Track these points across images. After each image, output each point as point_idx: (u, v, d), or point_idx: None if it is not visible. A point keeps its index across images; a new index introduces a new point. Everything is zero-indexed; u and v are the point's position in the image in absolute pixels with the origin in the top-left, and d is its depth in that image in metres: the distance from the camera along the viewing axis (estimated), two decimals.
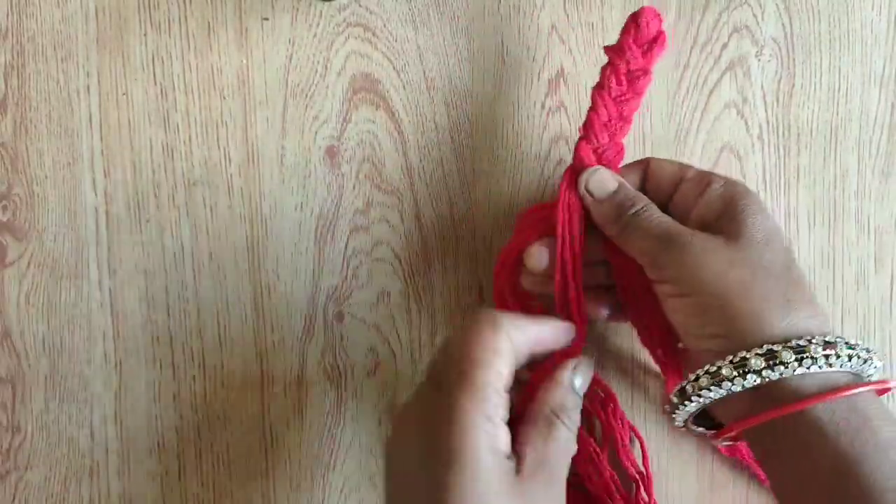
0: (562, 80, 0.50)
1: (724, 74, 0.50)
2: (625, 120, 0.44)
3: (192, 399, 0.50)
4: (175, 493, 0.50)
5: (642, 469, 0.48)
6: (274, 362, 0.50)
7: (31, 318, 0.50)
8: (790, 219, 0.50)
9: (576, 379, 0.41)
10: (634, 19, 0.43)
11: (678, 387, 0.40)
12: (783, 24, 0.50)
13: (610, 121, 0.44)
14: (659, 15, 0.43)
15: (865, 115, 0.50)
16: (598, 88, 0.44)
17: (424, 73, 0.50)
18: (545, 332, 0.41)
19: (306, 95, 0.50)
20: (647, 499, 0.47)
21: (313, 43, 0.50)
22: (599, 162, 0.44)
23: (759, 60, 0.50)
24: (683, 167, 0.44)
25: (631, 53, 0.43)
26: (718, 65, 0.50)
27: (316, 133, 0.50)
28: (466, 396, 0.36)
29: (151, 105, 0.50)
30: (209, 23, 0.50)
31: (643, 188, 0.45)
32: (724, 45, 0.50)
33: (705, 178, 0.42)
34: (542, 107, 0.50)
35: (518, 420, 0.40)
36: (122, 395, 0.51)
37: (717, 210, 0.41)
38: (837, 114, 0.50)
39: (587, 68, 0.50)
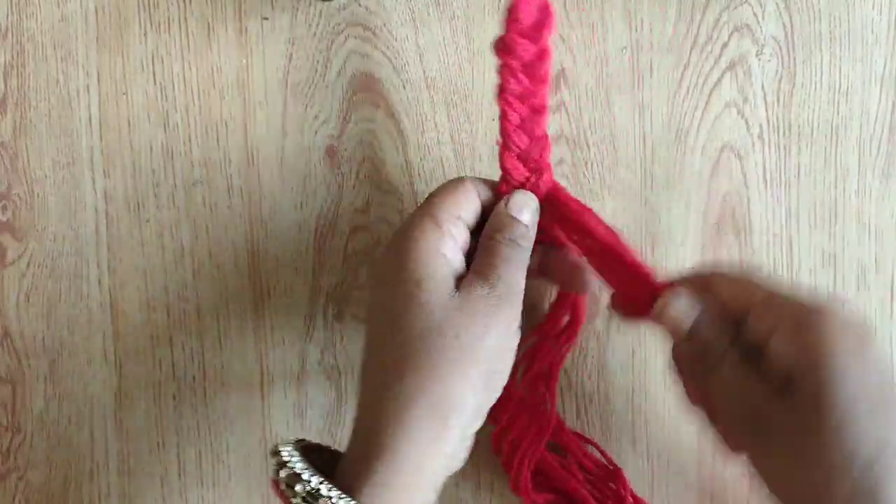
0: (562, 80, 0.50)
1: (725, 74, 0.50)
2: (538, 112, 0.41)
3: (192, 399, 0.50)
4: (175, 493, 0.51)
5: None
6: (274, 362, 0.50)
7: (31, 318, 0.50)
8: (790, 219, 0.50)
9: (511, 207, 0.42)
10: (511, 13, 0.40)
11: None
12: (784, 24, 0.50)
13: (523, 121, 0.41)
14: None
15: (866, 115, 0.50)
16: (501, 92, 0.41)
17: (424, 73, 0.50)
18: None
19: (306, 95, 0.50)
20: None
21: (313, 42, 0.50)
22: (526, 166, 0.42)
23: (760, 60, 0.50)
24: (752, 287, 0.40)
25: (521, 46, 0.40)
26: (719, 64, 0.50)
27: (316, 133, 0.50)
28: (428, 220, 0.40)
29: (151, 105, 0.50)
30: (209, 23, 0.50)
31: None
32: (725, 45, 0.50)
33: (775, 307, 0.39)
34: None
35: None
36: (122, 395, 0.51)
37: (792, 357, 0.37)
38: (838, 113, 0.50)
39: (587, 68, 0.50)
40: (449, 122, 0.50)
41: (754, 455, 0.39)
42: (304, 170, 0.50)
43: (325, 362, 0.50)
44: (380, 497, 0.37)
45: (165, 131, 0.50)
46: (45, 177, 0.50)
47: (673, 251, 0.50)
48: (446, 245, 0.40)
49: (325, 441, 0.50)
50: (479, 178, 0.43)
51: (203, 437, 0.50)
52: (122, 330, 0.50)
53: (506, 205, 0.42)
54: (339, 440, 0.50)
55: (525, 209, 0.42)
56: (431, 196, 0.41)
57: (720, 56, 0.50)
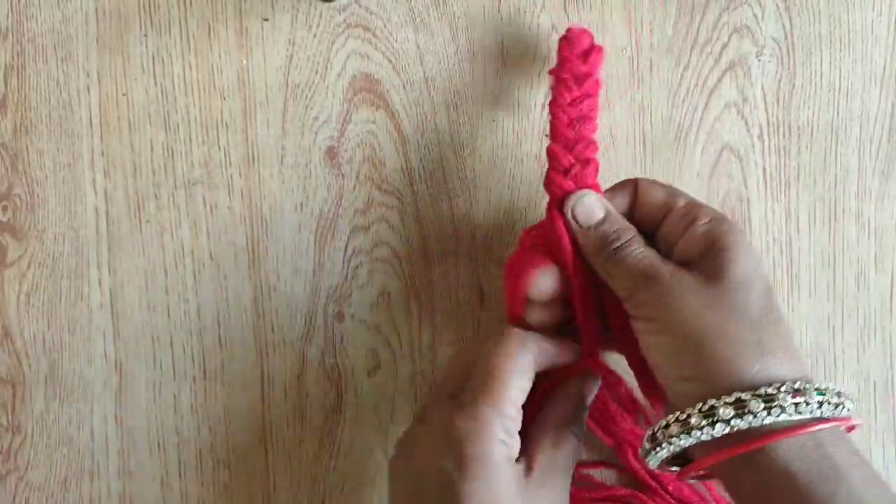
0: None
1: (725, 74, 0.50)
2: (586, 118, 0.44)
3: (192, 399, 0.50)
4: (175, 493, 0.50)
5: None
6: (274, 362, 0.50)
7: (31, 318, 0.50)
8: (790, 219, 0.50)
9: (584, 390, 0.44)
10: (564, 37, 0.46)
11: (649, 432, 0.40)
12: (783, 24, 0.50)
13: (571, 122, 0.44)
14: (586, 30, 0.46)
15: (866, 116, 0.50)
16: (552, 102, 0.45)
17: (424, 73, 0.50)
18: (557, 348, 0.43)
19: (306, 96, 0.50)
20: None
21: (313, 43, 0.50)
22: (572, 155, 0.44)
23: (760, 60, 0.50)
24: (673, 195, 0.43)
25: (571, 63, 0.45)
26: (719, 65, 0.50)
27: (316, 133, 0.50)
28: (490, 410, 0.39)
29: (151, 105, 0.50)
30: (209, 23, 0.50)
31: (631, 212, 0.44)
32: (725, 46, 0.50)
33: (692, 212, 0.42)
34: (542, 107, 0.50)
35: (527, 422, 0.42)
36: (122, 395, 0.51)
37: (701, 247, 0.41)
38: (838, 114, 0.50)
39: None
40: (449, 123, 0.50)
41: (648, 317, 0.40)
42: (304, 170, 0.50)
43: (325, 362, 0.50)
44: None
45: (166, 132, 0.50)
46: (46, 177, 0.50)
47: None
48: (506, 430, 0.40)
49: (326, 441, 0.50)
50: (534, 335, 0.43)
51: (203, 438, 0.50)
52: (123, 330, 0.50)
53: (582, 391, 0.44)
54: (339, 440, 0.50)
55: (593, 394, 0.45)
56: (488, 373, 0.41)
57: (720, 57, 0.50)
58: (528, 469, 0.40)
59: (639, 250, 0.41)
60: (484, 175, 0.50)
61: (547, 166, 0.44)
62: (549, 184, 0.44)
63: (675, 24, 0.50)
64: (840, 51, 0.50)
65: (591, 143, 0.44)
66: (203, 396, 0.50)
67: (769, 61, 0.50)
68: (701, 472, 0.40)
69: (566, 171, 0.44)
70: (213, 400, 0.50)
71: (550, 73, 0.46)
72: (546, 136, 0.45)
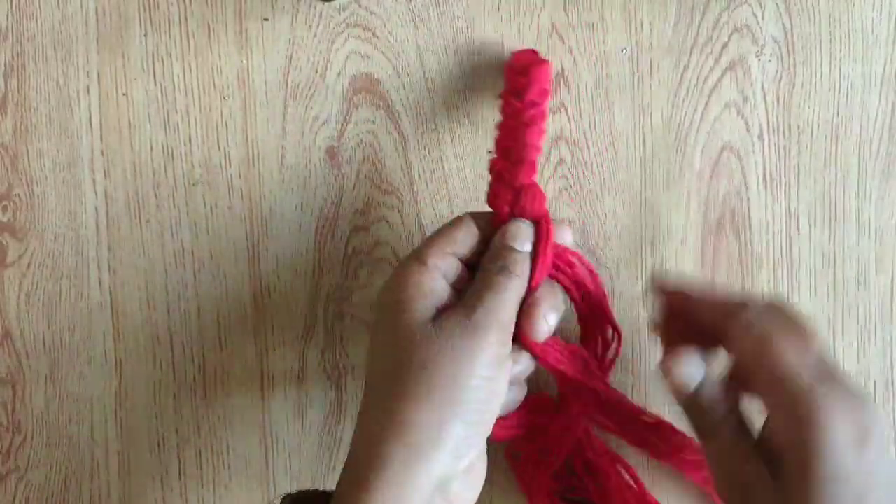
0: (562, 80, 0.50)
1: (725, 74, 0.50)
2: (527, 124, 0.44)
3: (192, 399, 0.50)
4: (175, 493, 0.51)
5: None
6: (274, 362, 0.50)
7: (31, 318, 0.50)
8: (790, 219, 0.50)
9: (506, 237, 0.43)
10: (509, 60, 0.47)
11: None
12: (783, 24, 0.50)
13: (512, 132, 0.45)
14: (530, 49, 0.47)
15: (866, 115, 0.50)
16: (498, 123, 0.46)
17: (424, 73, 0.50)
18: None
19: (306, 96, 0.50)
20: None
21: (313, 43, 0.50)
22: (507, 160, 0.44)
23: (760, 60, 0.50)
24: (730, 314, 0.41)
25: (512, 81, 0.45)
26: (719, 65, 0.50)
27: (316, 133, 0.50)
28: (412, 267, 0.41)
29: (151, 105, 0.50)
30: (209, 23, 0.50)
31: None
32: (725, 45, 0.50)
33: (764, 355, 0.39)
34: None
35: None
36: (122, 395, 0.51)
37: (783, 433, 0.37)
38: (838, 114, 0.50)
39: (587, 68, 0.50)
40: (449, 123, 0.50)
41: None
42: (304, 170, 0.50)
43: (325, 362, 0.50)
44: None
45: (166, 132, 0.50)
46: (46, 177, 0.50)
47: (673, 251, 0.50)
48: (431, 279, 0.41)
49: (326, 441, 0.50)
50: (481, 213, 0.44)
51: (203, 437, 0.51)
52: (123, 330, 0.50)
53: (501, 235, 0.43)
54: (340, 440, 0.50)
55: (520, 238, 0.43)
56: (430, 236, 0.43)
57: (720, 56, 0.50)
58: (450, 311, 0.40)
59: (731, 442, 0.40)
60: (484, 175, 0.50)
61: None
62: (489, 195, 0.45)
63: (675, 24, 0.50)
64: (840, 51, 0.50)
65: (528, 146, 0.44)
66: (203, 396, 0.51)
67: (769, 61, 0.50)
68: None
69: (500, 178, 0.45)
70: (213, 400, 0.51)
71: (499, 96, 0.46)
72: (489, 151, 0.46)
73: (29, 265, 0.50)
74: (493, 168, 0.45)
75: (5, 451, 0.50)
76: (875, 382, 0.50)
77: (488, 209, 0.45)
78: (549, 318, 0.42)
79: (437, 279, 0.41)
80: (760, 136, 0.50)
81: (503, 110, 0.45)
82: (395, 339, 0.40)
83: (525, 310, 0.42)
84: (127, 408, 0.51)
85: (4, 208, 0.50)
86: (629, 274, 0.50)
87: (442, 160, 0.50)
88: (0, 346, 0.50)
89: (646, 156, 0.50)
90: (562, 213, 0.50)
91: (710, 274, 0.50)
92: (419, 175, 0.50)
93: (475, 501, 0.41)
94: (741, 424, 0.40)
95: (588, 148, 0.50)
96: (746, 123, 0.50)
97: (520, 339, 0.42)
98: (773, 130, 0.50)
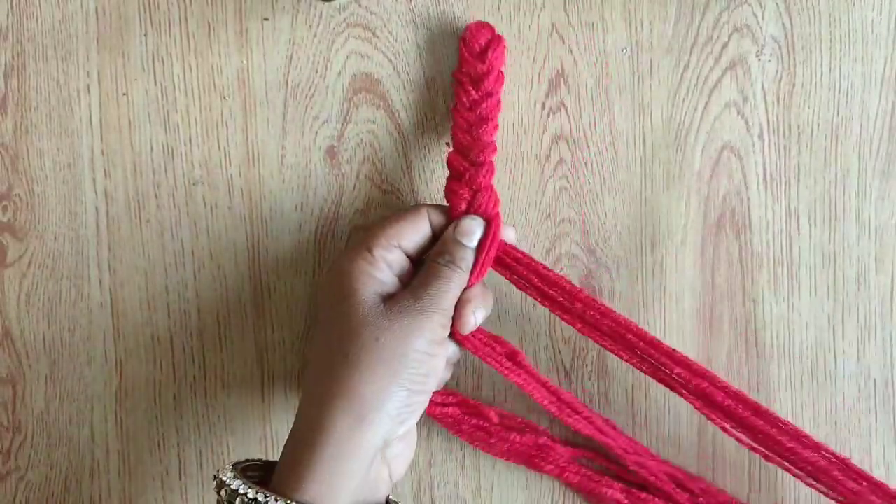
0: (562, 80, 0.50)
1: (725, 74, 0.50)
2: (484, 120, 0.47)
3: (192, 399, 0.50)
4: (175, 493, 0.51)
5: None
6: (274, 362, 0.50)
7: (31, 318, 0.50)
8: (790, 218, 0.50)
9: (458, 232, 0.47)
10: (462, 37, 0.48)
11: None
12: (783, 24, 0.50)
13: (469, 127, 0.47)
14: (486, 24, 0.48)
15: (866, 115, 0.50)
16: (453, 107, 0.48)
17: (424, 73, 0.50)
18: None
19: (306, 95, 0.50)
20: None
21: (313, 43, 0.50)
22: (467, 160, 0.47)
23: (760, 60, 0.50)
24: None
25: (468, 63, 0.48)
26: (719, 64, 0.50)
27: (316, 133, 0.50)
28: (366, 249, 0.45)
29: (151, 105, 0.50)
30: (209, 23, 0.50)
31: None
32: (725, 45, 0.50)
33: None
34: (542, 107, 0.50)
35: None
36: (122, 394, 0.51)
37: None
38: (838, 113, 0.50)
39: (587, 68, 0.50)
40: (449, 123, 0.50)
41: None
42: (304, 170, 0.50)
43: None
44: (308, 490, 0.41)
45: (166, 131, 0.50)
46: (46, 177, 0.50)
47: (673, 251, 0.50)
48: (377, 268, 0.45)
49: None
50: (435, 206, 0.48)
51: (203, 437, 0.50)
52: (123, 330, 0.50)
53: (453, 230, 0.47)
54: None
55: (470, 234, 0.47)
56: (378, 224, 0.47)
57: (720, 56, 0.50)
58: (394, 298, 0.45)
59: None
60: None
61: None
62: (447, 191, 0.48)
63: (675, 24, 0.50)
64: (840, 51, 0.50)
65: (489, 146, 0.47)
66: (203, 396, 0.51)
67: (769, 61, 0.50)
68: None
69: (459, 177, 0.47)
70: (213, 400, 0.51)
71: (452, 75, 0.48)
72: (447, 143, 0.49)
73: (29, 265, 0.50)
74: (452, 164, 0.48)
75: (5, 451, 0.50)
76: (875, 382, 0.50)
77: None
78: (478, 314, 0.47)
79: (383, 269, 0.45)
80: (760, 136, 0.50)
81: (458, 97, 0.47)
82: (344, 319, 0.44)
83: (458, 305, 0.46)
84: (127, 408, 0.51)
85: (4, 208, 0.50)
86: (629, 274, 0.50)
87: (442, 160, 0.50)
88: (0, 346, 0.50)
89: (646, 156, 0.50)
90: (562, 213, 0.50)
91: (710, 273, 0.50)
92: (419, 175, 0.50)
93: (410, 461, 0.46)
94: None
95: (588, 148, 0.50)
96: (746, 123, 0.50)
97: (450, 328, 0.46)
98: (773, 130, 0.50)
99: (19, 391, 0.50)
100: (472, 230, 0.47)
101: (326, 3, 0.50)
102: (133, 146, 0.50)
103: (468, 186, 0.47)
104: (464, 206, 0.47)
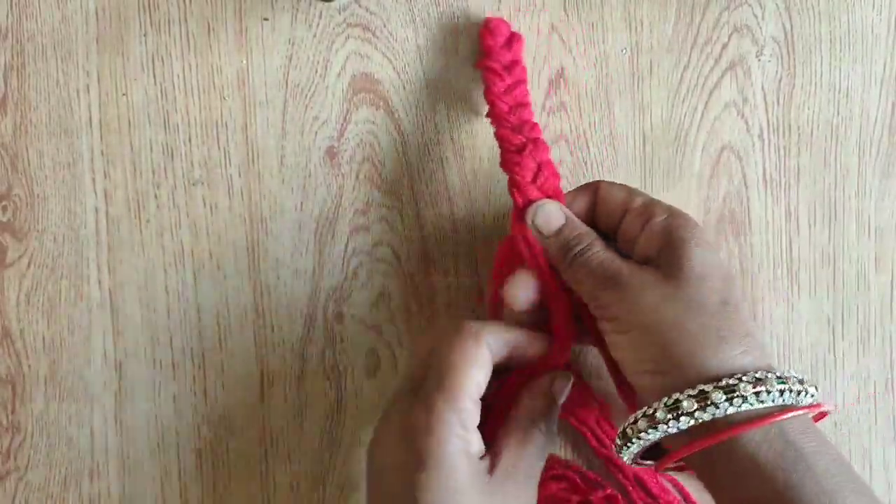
0: (562, 80, 0.50)
1: (725, 74, 0.50)
2: (522, 104, 0.47)
3: (192, 399, 0.50)
4: (175, 493, 0.51)
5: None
6: (274, 362, 0.50)
7: (31, 318, 0.50)
8: (790, 219, 0.50)
9: (554, 388, 0.44)
10: (486, 28, 0.48)
11: (620, 429, 0.40)
12: (783, 24, 0.50)
13: (510, 109, 0.46)
14: (504, 20, 0.48)
15: (866, 115, 0.50)
16: (488, 92, 0.47)
17: (424, 73, 0.50)
18: (521, 340, 0.43)
19: (306, 96, 0.50)
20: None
21: (313, 43, 0.50)
22: (522, 135, 0.45)
23: (760, 60, 0.50)
24: (632, 194, 0.44)
25: (497, 52, 0.47)
26: (719, 65, 0.50)
27: (316, 133, 0.50)
28: (444, 404, 0.40)
29: (151, 105, 0.50)
30: (209, 23, 0.50)
31: (593, 214, 0.45)
32: (725, 46, 0.50)
33: (648, 210, 0.43)
34: (542, 107, 0.50)
35: (491, 416, 0.43)
36: (122, 395, 0.51)
37: (658, 243, 0.41)
38: (838, 114, 0.50)
39: (587, 68, 0.50)
40: (449, 123, 0.50)
41: (611, 317, 0.41)
42: (304, 170, 0.50)
43: (325, 362, 0.50)
44: None
45: (165, 131, 0.50)
46: (46, 177, 0.50)
47: None
48: (465, 428, 0.40)
49: (326, 441, 0.50)
50: (492, 326, 0.43)
51: (203, 438, 0.50)
52: (122, 330, 0.50)
53: (551, 387, 0.44)
54: (339, 440, 0.50)
55: (565, 392, 0.44)
56: (442, 368, 0.41)
57: (720, 57, 0.50)
58: (492, 466, 0.40)
59: (598, 252, 0.42)
60: (484, 175, 0.50)
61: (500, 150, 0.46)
62: (506, 163, 0.45)
63: (675, 24, 0.50)
64: (840, 51, 0.50)
65: (535, 125, 0.46)
66: (203, 396, 0.51)
67: (769, 61, 0.50)
68: (675, 465, 0.41)
69: (520, 150, 0.45)
70: (213, 400, 0.50)
71: (478, 65, 0.48)
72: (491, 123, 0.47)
73: (29, 265, 0.50)
74: (508, 140, 0.46)
75: (5, 451, 0.50)
76: (875, 382, 0.50)
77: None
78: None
79: (471, 426, 0.41)
80: (760, 137, 0.50)
81: (492, 83, 0.47)
82: (435, 495, 0.39)
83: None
84: (127, 408, 0.51)
85: (4, 208, 0.50)
86: None
87: (442, 160, 0.50)
88: (0, 346, 0.50)
89: (646, 156, 0.50)
90: None
91: None
92: (419, 175, 0.50)
93: None
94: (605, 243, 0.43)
95: (588, 148, 0.50)
96: (746, 123, 0.50)
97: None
98: (773, 130, 0.50)
99: (19, 391, 0.50)
100: (566, 388, 0.44)
101: (326, 4, 0.50)
102: (133, 146, 0.50)
103: (532, 158, 0.45)
104: (530, 177, 0.45)
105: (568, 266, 0.43)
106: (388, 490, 0.40)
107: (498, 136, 0.46)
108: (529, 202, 0.44)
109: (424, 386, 0.41)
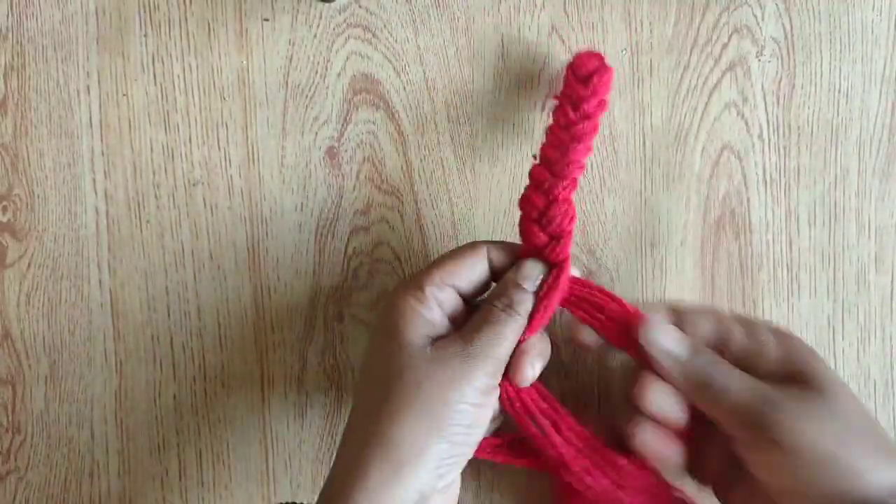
0: (562, 80, 0.50)
1: (725, 75, 0.50)
2: (576, 139, 0.44)
3: (192, 399, 0.50)
4: (175, 493, 0.51)
5: None
6: (274, 362, 0.50)
7: (31, 318, 0.50)
8: (790, 219, 0.50)
9: (519, 276, 0.44)
10: (571, 62, 0.46)
11: None
12: (783, 25, 0.50)
13: (561, 144, 0.44)
14: (596, 54, 0.45)
15: (866, 116, 0.50)
16: (549, 126, 0.45)
17: (424, 73, 0.50)
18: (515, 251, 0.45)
19: (306, 96, 0.50)
20: None
21: (313, 44, 0.50)
22: (549, 172, 0.44)
23: (760, 61, 0.50)
24: (725, 327, 0.43)
25: (571, 87, 0.45)
26: (719, 65, 0.50)
27: (316, 134, 0.50)
28: (418, 285, 0.43)
29: (151, 105, 0.50)
30: (209, 23, 0.50)
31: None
32: (725, 46, 0.50)
33: (755, 333, 0.42)
34: (542, 107, 0.50)
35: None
36: (122, 395, 0.51)
37: (780, 371, 0.41)
38: (838, 114, 0.50)
39: None
40: (449, 123, 0.50)
41: (763, 449, 0.40)
42: (304, 170, 0.50)
43: (325, 362, 0.50)
44: None
45: (166, 132, 0.50)
46: (46, 177, 0.50)
47: (673, 251, 0.50)
48: (427, 307, 0.42)
49: (326, 441, 0.50)
50: (497, 243, 0.45)
51: (203, 438, 0.50)
52: (123, 330, 0.50)
53: (515, 272, 0.44)
54: (339, 440, 0.50)
55: (531, 278, 0.44)
56: (434, 261, 0.44)
57: (720, 57, 0.50)
58: (443, 340, 0.42)
59: (741, 387, 0.41)
60: (484, 175, 0.50)
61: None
62: (521, 200, 0.45)
63: (675, 24, 0.50)
64: (840, 51, 0.50)
65: (573, 164, 0.44)
66: (203, 396, 0.51)
67: (769, 61, 0.50)
68: None
69: (539, 186, 0.44)
70: (213, 400, 0.51)
71: (554, 97, 0.46)
72: (534, 156, 0.46)
73: (29, 265, 0.50)
74: (533, 175, 0.45)
75: (5, 451, 0.50)
76: (875, 382, 0.50)
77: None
78: (536, 365, 0.44)
79: (433, 309, 0.43)
80: (760, 137, 0.50)
81: (556, 118, 0.45)
82: (389, 359, 0.41)
83: (515, 354, 0.43)
84: (127, 408, 0.51)
85: (4, 208, 0.50)
86: (629, 274, 0.50)
87: (442, 160, 0.50)
88: (0, 346, 0.50)
89: (646, 156, 0.50)
90: None
91: (710, 274, 0.50)
92: (419, 175, 0.50)
93: None
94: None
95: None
96: (746, 123, 0.50)
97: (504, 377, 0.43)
98: (773, 130, 0.50)
99: (19, 392, 0.50)
100: (533, 273, 0.44)
101: (326, 4, 0.50)
102: (133, 147, 0.50)
103: (544, 196, 0.44)
104: (535, 215, 0.44)
105: (704, 398, 0.42)
106: (365, 353, 0.45)
107: (530, 171, 0.45)
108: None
109: (406, 283, 0.44)
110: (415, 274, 0.44)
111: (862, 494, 0.37)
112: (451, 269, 0.43)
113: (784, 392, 0.40)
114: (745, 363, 0.42)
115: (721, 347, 0.43)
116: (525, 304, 0.43)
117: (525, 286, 0.43)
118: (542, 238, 0.44)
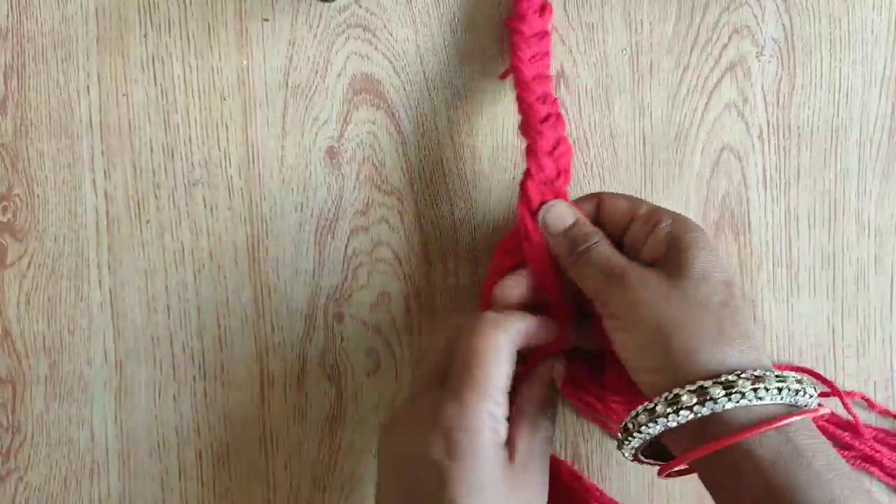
0: (562, 80, 0.50)
1: (725, 75, 0.50)
2: (544, 77, 0.46)
3: (192, 399, 0.50)
4: (175, 493, 0.51)
5: None
6: (274, 362, 0.50)
7: (31, 318, 0.50)
8: (790, 219, 0.50)
9: (555, 374, 0.45)
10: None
11: (622, 424, 0.41)
12: (783, 25, 0.50)
13: (535, 77, 0.46)
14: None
15: (866, 116, 0.50)
16: (514, 56, 0.46)
17: (424, 73, 0.50)
18: (536, 327, 0.44)
19: (306, 96, 0.50)
20: None
21: (313, 44, 0.50)
22: (545, 107, 0.46)
23: (760, 61, 0.50)
24: (636, 204, 0.45)
25: (530, 19, 0.46)
26: (719, 65, 0.50)
27: (316, 134, 0.50)
28: (478, 399, 0.40)
29: (151, 105, 0.50)
30: (209, 23, 0.50)
31: (597, 223, 0.45)
32: (725, 46, 0.50)
33: (654, 216, 0.43)
34: None
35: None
36: (122, 395, 0.51)
37: (664, 248, 0.42)
38: (838, 114, 0.50)
39: (587, 68, 0.50)
40: (449, 123, 0.50)
41: (615, 314, 0.42)
42: (304, 170, 0.50)
43: (325, 362, 0.50)
44: None
45: (166, 132, 0.50)
46: (46, 177, 0.50)
47: None
48: (496, 420, 0.41)
49: (326, 441, 0.50)
50: (512, 317, 0.44)
51: (203, 438, 0.50)
52: (123, 330, 0.50)
53: (552, 371, 0.45)
54: (340, 440, 0.50)
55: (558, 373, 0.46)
56: (470, 361, 0.41)
57: (720, 57, 0.50)
58: (511, 454, 0.41)
59: (605, 251, 0.43)
60: (484, 175, 0.50)
61: (521, 117, 0.46)
62: (528, 131, 0.46)
63: (675, 25, 0.50)
64: (840, 51, 0.50)
65: (555, 100, 0.46)
66: (203, 396, 0.51)
67: (769, 61, 0.50)
68: (678, 468, 0.41)
69: (544, 121, 0.46)
70: (213, 400, 0.51)
71: (509, 24, 0.47)
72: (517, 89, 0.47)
73: (29, 265, 0.50)
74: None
75: (5, 451, 0.50)
76: (875, 382, 0.50)
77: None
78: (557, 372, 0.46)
79: (500, 417, 0.41)
80: (760, 136, 0.50)
81: (518, 55, 0.46)
82: (462, 485, 0.39)
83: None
84: (127, 408, 0.51)
85: (4, 208, 0.50)
86: None
87: (442, 160, 0.50)
88: (0, 346, 0.50)
89: (646, 156, 0.50)
90: None
91: None
92: (419, 175, 0.50)
93: None
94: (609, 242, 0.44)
95: (588, 148, 0.50)
96: (746, 124, 0.50)
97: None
98: (773, 130, 0.50)
99: (19, 391, 0.50)
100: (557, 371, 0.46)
101: (326, 4, 0.50)
102: (133, 147, 0.50)
103: (553, 130, 0.46)
104: (548, 148, 0.46)
105: (574, 262, 0.44)
106: (411, 482, 0.41)
107: (523, 102, 0.46)
108: (541, 172, 0.45)
109: (452, 379, 0.41)
110: (458, 376, 0.41)
111: (685, 371, 0.39)
112: (498, 367, 0.41)
113: (642, 269, 0.42)
114: (635, 244, 0.44)
115: (621, 230, 0.45)
116: (558, 404, 0.46)
117: (559, 387, 0.46)
118: (551, 171, 0.46)
